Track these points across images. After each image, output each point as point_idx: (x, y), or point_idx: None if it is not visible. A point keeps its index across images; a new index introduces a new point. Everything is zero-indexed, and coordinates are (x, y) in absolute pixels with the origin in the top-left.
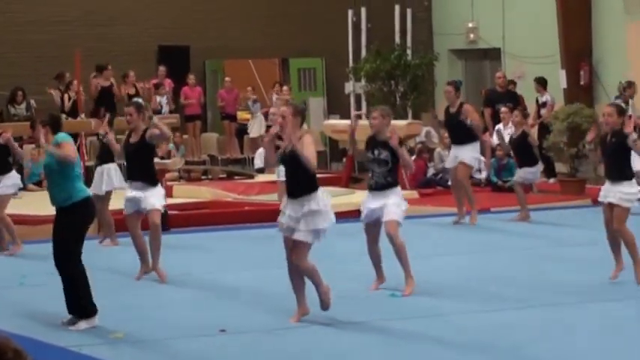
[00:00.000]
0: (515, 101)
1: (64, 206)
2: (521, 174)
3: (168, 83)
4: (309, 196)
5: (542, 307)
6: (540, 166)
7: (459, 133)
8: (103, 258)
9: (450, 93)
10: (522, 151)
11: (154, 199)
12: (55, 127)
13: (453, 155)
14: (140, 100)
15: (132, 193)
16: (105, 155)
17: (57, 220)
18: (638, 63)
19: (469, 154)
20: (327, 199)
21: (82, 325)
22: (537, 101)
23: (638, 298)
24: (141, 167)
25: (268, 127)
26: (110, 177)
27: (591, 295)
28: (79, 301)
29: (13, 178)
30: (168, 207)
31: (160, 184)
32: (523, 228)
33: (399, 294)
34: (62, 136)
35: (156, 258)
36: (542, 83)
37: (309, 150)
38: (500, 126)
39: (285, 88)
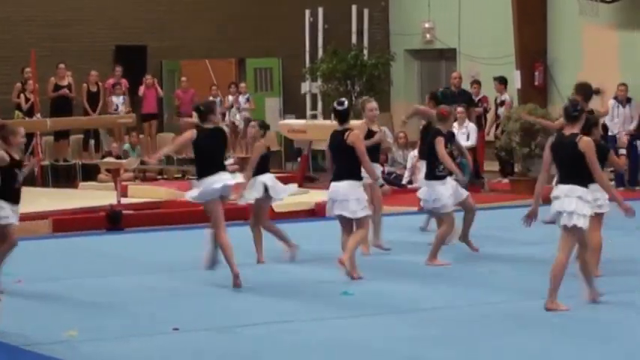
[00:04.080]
0: (470, 101)
1: None
2: None
3: (123, 83)
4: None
5: (492, 305)
6: None
7: None
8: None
9: None
10: None
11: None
12: None
13: None
14: None
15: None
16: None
17: None
18: (592, 64)
19: None
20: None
21: None
22: (496, 100)
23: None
24: None
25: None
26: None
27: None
28: None
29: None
30: (122, 207)
31: None
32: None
33: (351, 292)
34: None
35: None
36: (503, 82)
37: None
38: (455, 125)
39: (242, 85)
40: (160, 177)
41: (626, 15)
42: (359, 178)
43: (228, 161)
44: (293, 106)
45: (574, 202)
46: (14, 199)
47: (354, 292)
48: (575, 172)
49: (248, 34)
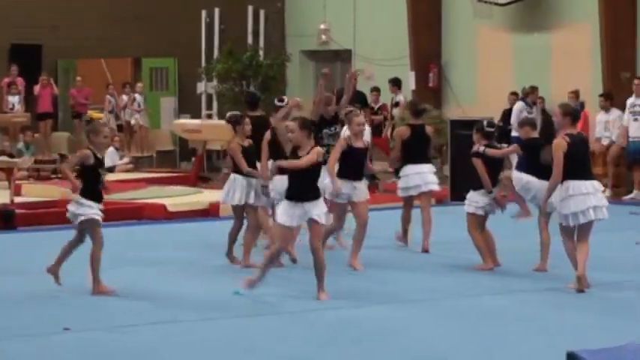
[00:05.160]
0: (364, 102)
1: None
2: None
3: (19, 82)
4: None
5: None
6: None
7: None
8: None
9: None
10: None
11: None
12: None
13: None
14: None
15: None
16: None
17: None
18: (487, 66)
19: None
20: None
21: None
22: (392, 101)
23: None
24: None
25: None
26: None
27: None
28: None
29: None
30: (15, 206)
31: None
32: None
33: (241, 291)
34: None
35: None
36: (396, 84)
37: None
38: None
39: (139, 85)
40: (54, 176)
41: (520, 18)
42: None
43: (124, 160)
44: (188, 105)
45: (601, 196)
46: (99, 198)
47: (244, 293)
48: (589, 167)
49: (144, 33)
